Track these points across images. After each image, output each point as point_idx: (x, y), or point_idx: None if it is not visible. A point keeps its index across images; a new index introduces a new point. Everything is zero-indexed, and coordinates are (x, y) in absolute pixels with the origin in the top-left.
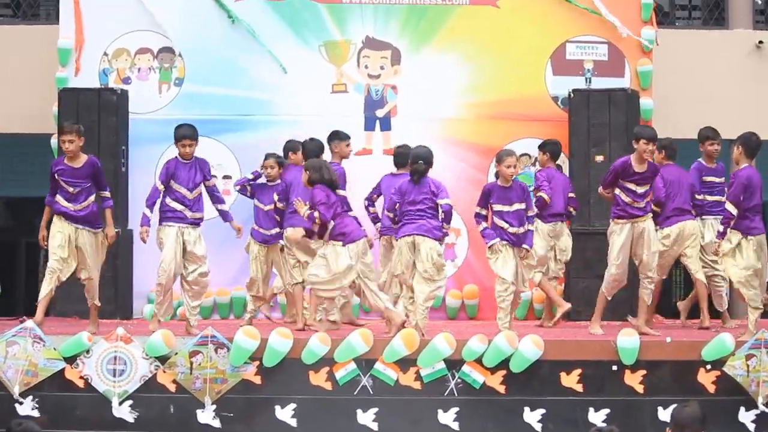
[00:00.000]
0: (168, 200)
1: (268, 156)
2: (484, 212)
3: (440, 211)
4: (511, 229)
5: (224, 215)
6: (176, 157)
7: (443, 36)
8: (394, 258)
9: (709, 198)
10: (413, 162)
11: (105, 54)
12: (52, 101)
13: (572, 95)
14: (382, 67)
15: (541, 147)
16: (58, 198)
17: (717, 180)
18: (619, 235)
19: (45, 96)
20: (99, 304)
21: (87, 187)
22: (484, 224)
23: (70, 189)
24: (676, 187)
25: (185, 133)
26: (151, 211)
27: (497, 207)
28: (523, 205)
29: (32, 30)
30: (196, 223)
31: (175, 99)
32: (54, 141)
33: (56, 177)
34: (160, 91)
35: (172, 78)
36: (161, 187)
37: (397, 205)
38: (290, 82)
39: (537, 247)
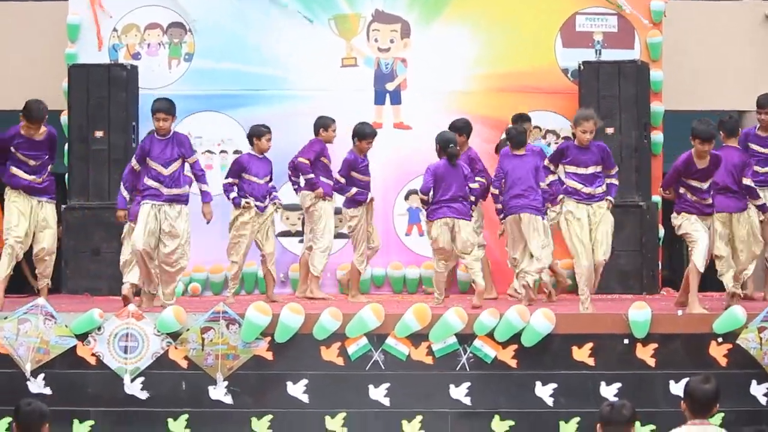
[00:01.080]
0: (145, 178)
1: (265, 131)
2: (552, 167)
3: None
4: (585, 190)
5: (203, 195)
6: (152, 133)
7: (453, 9)
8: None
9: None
10: (445, 146)
11: (114, 30)
12: (62, 78)
13: (582, 67)
14: (391, 41)
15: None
16: (15, 171)
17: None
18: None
19: (55, 72)
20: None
21: (46, 159)
22: (551, 177)
23: (31, 162)
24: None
25: (159, 107)
26: (128, 192)
27: (570, 168)
28: (599, 168)
29: (41, 6)
30: (174, 199)
31: (184, 74)
32: (64, 117)
33: (13, 150)
34: (170, 66)
35: (182, 53)
36: (136, 166)
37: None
38: (300, 57)
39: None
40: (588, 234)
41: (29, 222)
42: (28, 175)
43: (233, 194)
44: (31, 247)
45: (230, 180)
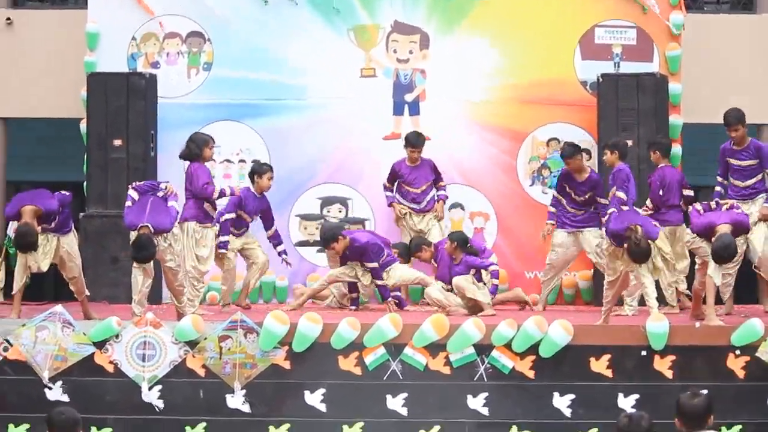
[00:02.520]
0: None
1: (267, 169)
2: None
3: None
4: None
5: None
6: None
7: (472, 20)
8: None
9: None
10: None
11: (133, 38)
12: (81, 86)
13: (601, 80)
14: (410, 51)
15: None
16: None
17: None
18: None
19: (74, 81)
20: None
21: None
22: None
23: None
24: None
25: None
26: None
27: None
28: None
29: (61, 14)
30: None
31: (203, 83)
32: (83, 126)
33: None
34: (189, 75)
35: (201, 62)
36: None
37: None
38: (319, 67)
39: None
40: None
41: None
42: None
43: (222, 239)
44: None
45: (227, 216)
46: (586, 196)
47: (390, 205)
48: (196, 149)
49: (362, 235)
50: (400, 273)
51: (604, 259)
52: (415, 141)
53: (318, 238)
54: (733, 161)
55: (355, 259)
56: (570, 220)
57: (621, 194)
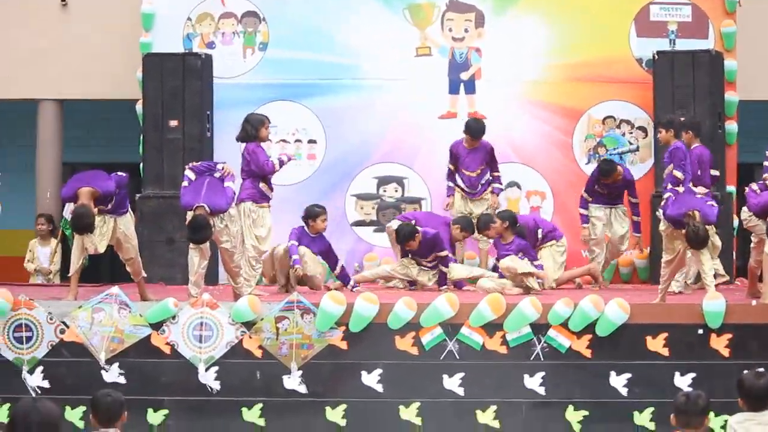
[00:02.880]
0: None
1: (320, 211)
2: None
3: None
4: None
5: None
6: None
7: None
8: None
9: None
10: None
11: (189, 19)
12: (137, 67)
13: (656, 57)
14: (466, 30)
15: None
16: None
17: None
18: None
19: (130, 62)
20: None
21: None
22: None
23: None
24: None
25: None
26: None
27: None
28: None
29: None
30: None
31: (259, 63)
32: (139, 107)
33: None
34: (245, 55)
35: (257, 42)
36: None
37: None
38: (374, 46)
39: None
40: None
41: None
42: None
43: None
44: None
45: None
46: (616, 193)
47: (449, 196)
48: (253, 130)
49: (428, 228)
50: (457, 271)
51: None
52: (474, 131)
53: (374, 218)
54: None
55: (427, 252)
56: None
57: (678, 173)
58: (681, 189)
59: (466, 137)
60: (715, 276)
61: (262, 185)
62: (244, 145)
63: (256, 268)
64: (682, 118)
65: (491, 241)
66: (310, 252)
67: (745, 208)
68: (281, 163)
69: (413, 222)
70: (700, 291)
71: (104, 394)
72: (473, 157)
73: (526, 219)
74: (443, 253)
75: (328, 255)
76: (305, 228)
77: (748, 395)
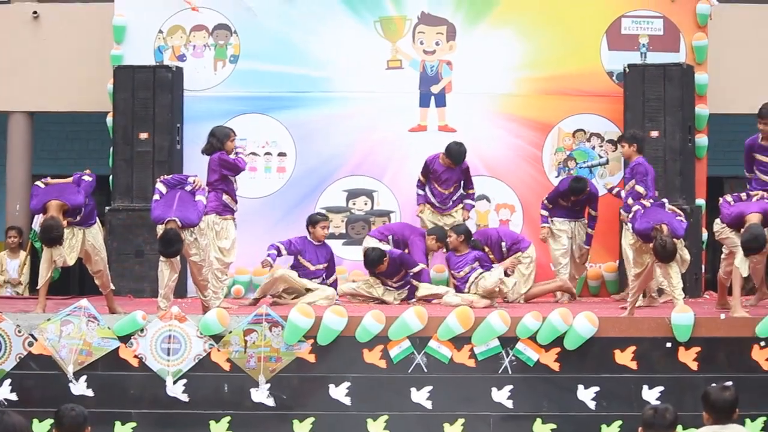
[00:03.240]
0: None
1: (320, 218)
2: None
3: None
4: None
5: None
6: None
7: (498, 11)
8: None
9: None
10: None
11: (160, 31)
12: (108, 79)
13: (627, 70)
14: (437, 43)
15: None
16: None
17: None
18: None
19: (101, 74)
20: None
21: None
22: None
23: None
24: None
25: None
26: None
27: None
28: None
29: (87, 8)
30: None
31: (230, 76)
32: (110, 119)
33: None
34: (215, 68)
35: (227, 55)
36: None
37: None
38: (345, 59)
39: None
40: None
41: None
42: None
43: (270, 252)
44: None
45: (275, 246)
46: (580, 207)
47: (419, 204)
48: (218, 143)
49: (394, 249)
50: (420, 290)
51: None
52: (455, 157)
53: (343, 231)
54: (760, 157)
55: (395, 273)
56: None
57: (640, 189)
58: (648, 203)
59: (444, 158)
60: (660, 293)
61: (225, 197)
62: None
63: (222, 280)
64: (655, 133)
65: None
66: (295, 274)
67: (717, 220)
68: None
69: (390, 237)
70: (669, 304)
71: (68, 408)
72: (449, 175)
73: (489, 232)
74: (417, 269)
75: (330, 264)
76: (308, 236)
77: (713, 408)
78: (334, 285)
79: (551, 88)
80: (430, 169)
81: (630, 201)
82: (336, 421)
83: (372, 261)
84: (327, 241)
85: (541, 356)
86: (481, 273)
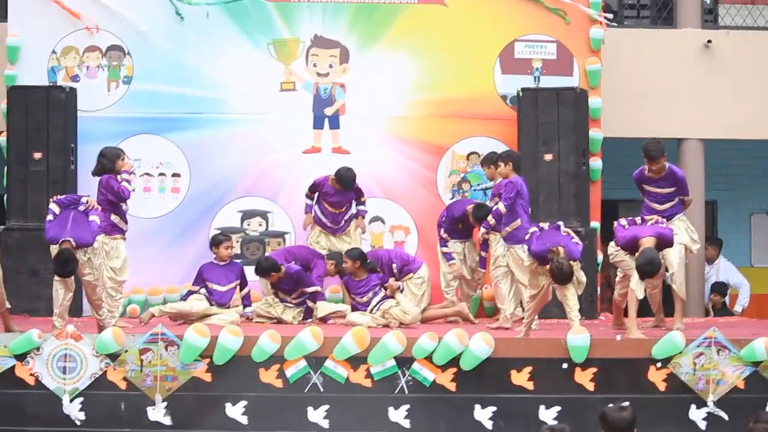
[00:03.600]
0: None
1: (223, 239)
2: None
3: None
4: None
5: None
6: None
7: (392, 34)
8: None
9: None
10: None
11: (53, 52)
12: (1, 99)
13: (521, 94)
14: (330, 66)
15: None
16: None
17: None
18: None
19: None
20: None
21: None
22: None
23: None
24: None
25: None
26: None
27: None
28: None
29: None
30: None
31: (123, 97)
32: (3, 139)
33: None
34: (109, 89)
35: (121, 76)
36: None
37: None
38: (239, 81)
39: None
40: None
41: None
42: None
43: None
44: None
45: (195, 288)
46: (471, 229)
47: (306, 213)
48: (109, 164)
49: (291, 265)
50: (322, 308)
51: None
52: (344, 182)
53: (238, 251)
54: (650, 188)
55: (293, 288)
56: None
57: (501, 207)
58: (545, 225)
59: (334, 183)
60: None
61: (114, 218)
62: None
63: (117, 299)
64: (549, 157)
65: None
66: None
67: (612, 243)
68: (128, 183)
69: (293, 262)
70: (565, 325)
71: None
72: (340, 198)
73: (380, 254)
74: (311, 290)
75: (242, 280)
76: (213, 260)
77: (611, 428)
78: (246, 298)
79: (445, 111)
80: (320, 191)
81: (491, 220)
82: None
83: (263, 269)
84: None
85: (438, 376)
86: (383, 297)
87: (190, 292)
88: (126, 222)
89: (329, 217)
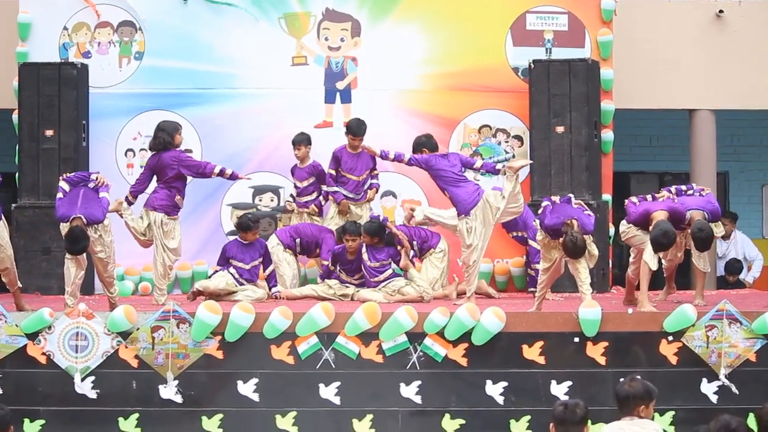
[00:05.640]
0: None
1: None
2: None
3: None
4: None
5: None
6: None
7: (403, 7)
8: None
9: None
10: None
11: (65, 28)
12: (13, 76)
13: (532, 66)
14: (342, 39)
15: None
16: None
17: None
18: None
19: (6, 71)
20: None
21: None
22: None
23: None
24: None
25: None
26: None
27: None
28: None
29: None
30: None
31: (135, 73)
32: (15, 116)
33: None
34: (120, 65)
35: (132, 52)
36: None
37: None
38: (250, 55)
39: None
40: None
41: None
42: None
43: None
44: None
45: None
46: None
47: (339, 202)
48: (168, 137)
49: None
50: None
51: None
52: (356, 129)
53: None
54: None
55: (313, 250)
56: None
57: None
58: (556, 199)
59: (348, 140)
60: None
61: (177, 198)
62: (151, 154)
63: (168, 276)
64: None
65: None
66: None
67: (624, 221)
68: (221, 172)
69: (298, 240)
70: (577, 299)
71: None
72: (358, 161)
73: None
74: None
75: (265, 258)
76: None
77: (616, 399)
78: (271, 277)
79: (457, 84)
80: (338, 158)
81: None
82: (244, 417)
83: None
84: (232, 238)
85: (449, 352)
86: (393, 274)
87: (215, 272)
88: (183, 199)
89: (350, 186)
